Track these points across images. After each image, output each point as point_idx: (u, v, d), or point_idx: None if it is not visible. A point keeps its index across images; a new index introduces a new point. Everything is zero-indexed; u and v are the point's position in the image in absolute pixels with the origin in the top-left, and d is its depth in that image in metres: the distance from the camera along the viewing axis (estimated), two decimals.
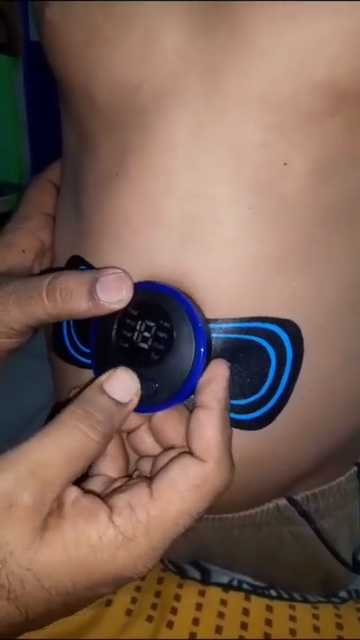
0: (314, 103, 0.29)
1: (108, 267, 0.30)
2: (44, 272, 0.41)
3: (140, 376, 0.29)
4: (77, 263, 0.36)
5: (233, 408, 0.33)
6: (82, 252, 0.36)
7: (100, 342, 0.31)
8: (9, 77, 2.20)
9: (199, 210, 0.31)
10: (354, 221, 0.33)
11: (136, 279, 0.32)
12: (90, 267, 0.35)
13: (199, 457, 0.27)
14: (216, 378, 0.28)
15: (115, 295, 0.29)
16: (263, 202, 0.31)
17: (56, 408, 0.49)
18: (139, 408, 0.29)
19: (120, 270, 0.30)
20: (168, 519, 0.25)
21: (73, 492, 0.25)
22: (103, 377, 0.28)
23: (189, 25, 0.30)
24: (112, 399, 0.27)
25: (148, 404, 0.29)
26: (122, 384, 0.28)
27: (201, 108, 0.30)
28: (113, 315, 0.30)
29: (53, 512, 0.24)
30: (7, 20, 2.00)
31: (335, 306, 0.34)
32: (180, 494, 0.25)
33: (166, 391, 0.29)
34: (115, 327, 0.30)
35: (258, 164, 0.30)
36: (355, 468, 0.46)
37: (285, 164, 0.30)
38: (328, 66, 0.28)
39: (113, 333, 0.30)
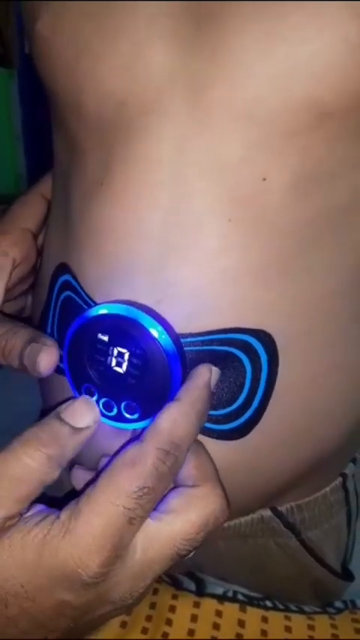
0: (296, 120, 0.29)
1: (42, 337, 0.32)
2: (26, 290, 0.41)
3: (119, 395, 0.30)
4: (64, 271, 0.36)
5: (212, 419, 0.33)
6: (67, 260, 0.36)
7: (73, 364, 0.31)
8: (4, 89, 2.21)
9: (181, 222, 0.31)
10: (333, 234, 0.33)
11: (117, 287, 0.32)
12: (74, 277, 0.35)
13: (142, 439, 0.27)
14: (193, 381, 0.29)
15: (35, 367, 0.31)
16: (243, 215, 0.31)
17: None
18: (122, 424, 0.30)
19: (44, 341, 0.31)
20: (108, 503, 0.25)
21: (37, 506, 0.26)
22: (63, 406, 0.29)
23: (175, 41, 0.30)
24: (67, 423, 0.27)
25: (129, 420, 0.30)
26: (79, 412, 0.28)
27: (185, 122, 0.31)
28: (82, 339, 0.30)
29: (5, 526, 0.25)
30: (3, 32, 2.01)
31: (314, 315, 0.34)
32: (119, 477, 0.25)
33: (145, 409, 0.29)
34: (86, 352, 0.30)
35: (239, 178, 0.31)
36: (341, 479, 0.46)
37: (264, 179, 0.30)
38: (312, 84, 0.28)
39: (85, 357, 0.30)
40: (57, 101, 0.36)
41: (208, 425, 0.33)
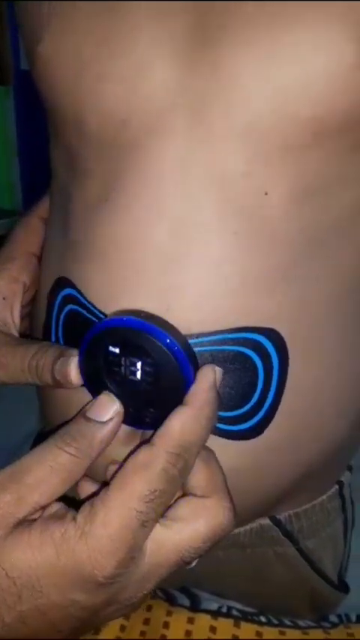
0: (294, 137, 0.30)
1: (69, 350, 0.32)
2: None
3: (137, 402, 0.30)
4: (64, 285, 0.37)
5: (226, 420, 0.34)
6: (68, 274, 0.37)
7: (90, 375, 0.32)
8: (0, 105, 2.22)
9: (186, 233, 0.32)
10: (334, 243, 0.34)
11: (125, 297, 0.33)
12: (76, 288, 0.36)
13: (153, 443, 0.27)
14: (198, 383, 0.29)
15: (67, 379, 0.32)
16: (247, 226, 0.32)
17: (41, 436, 0.49)
18: (143, 427, 0.31)
19: (70, 353, 0.32)
20: (122, 506, 0.25)
21: (55, 505, 0.27)
22: (87, 405, 0.30)
23: (176, 62, 0.31)
24: (91, 419, 0.29)
25: (149, 425, 0.31)
26: (100, 406, 0.29)
27: (188, 139, 0.32)
28: (94, 352, 0.31)
29: (29, 518, 0.26)
30: None
31: (316, 319, 0.35)
32: (131, 481, 0.26)
33: (164, 413, 0.29)
34: (101, 364, 0.31)
35: (241, 192, 0.32)
36: (337, 487, 0.47)
37: (266, 193, 0.32)
38: (309, 103, 0.29)
39: (100, 368, 0.31)
40: (57, 119, 0.37)
41: (224, 427, 0.34)
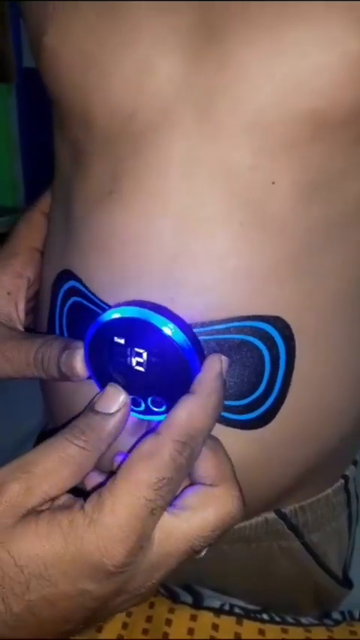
0: (298, 130, 0.30)
1: (74, 343, 0.33)
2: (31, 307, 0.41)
3: (144, 392, 0.31)
4: (68, 278, 0.37)
5: (233, 409, 0.34)
6: (71, 268, 0.37)
7: (96, 367, 0.32)
8: (2, 103, 2.23)
9: (191, 226, 0.32)
10: (342, 237, 0.34)
11: (129, 289, 0.33)
12: (79, 280, 0.36)
13: (159, 432, 0.27)
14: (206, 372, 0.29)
15: (73, 372, 0.32)
16: (253, 219, 0.32)
17: (44, 435, 0.49)
18: (151, 417, 0.32)
19: (75, 345, 0.32)
20: (130, 494, 0.25)
21: (64, 497, 0.27)
22: (94, 398, 0.30)
23: (181, 56, 0.32)
24: (99, 412, 0.29)
25: (157, 413, 0.31)
26: (107, 398, 0.30)
27: (194, 134, 0.32)
28: (99, 344, 0.31)
29: (38, 508, 0.26)
30: (1, 48, 2.03)
31: (326, 313, 0.35)
32: (137, 470, 0.26)
33: (171, 402, 0.30)
34: (106, 356, 0.31)
35: (247, 185, 0.32)
36: (342, 481, 0.47)
37: (273, 183, 0.32)
38: (312, 97, 0.30)
39: (106, 359, 0.31)
40: (63, 113, 0.37)
41: (231, 416, 0.34)
